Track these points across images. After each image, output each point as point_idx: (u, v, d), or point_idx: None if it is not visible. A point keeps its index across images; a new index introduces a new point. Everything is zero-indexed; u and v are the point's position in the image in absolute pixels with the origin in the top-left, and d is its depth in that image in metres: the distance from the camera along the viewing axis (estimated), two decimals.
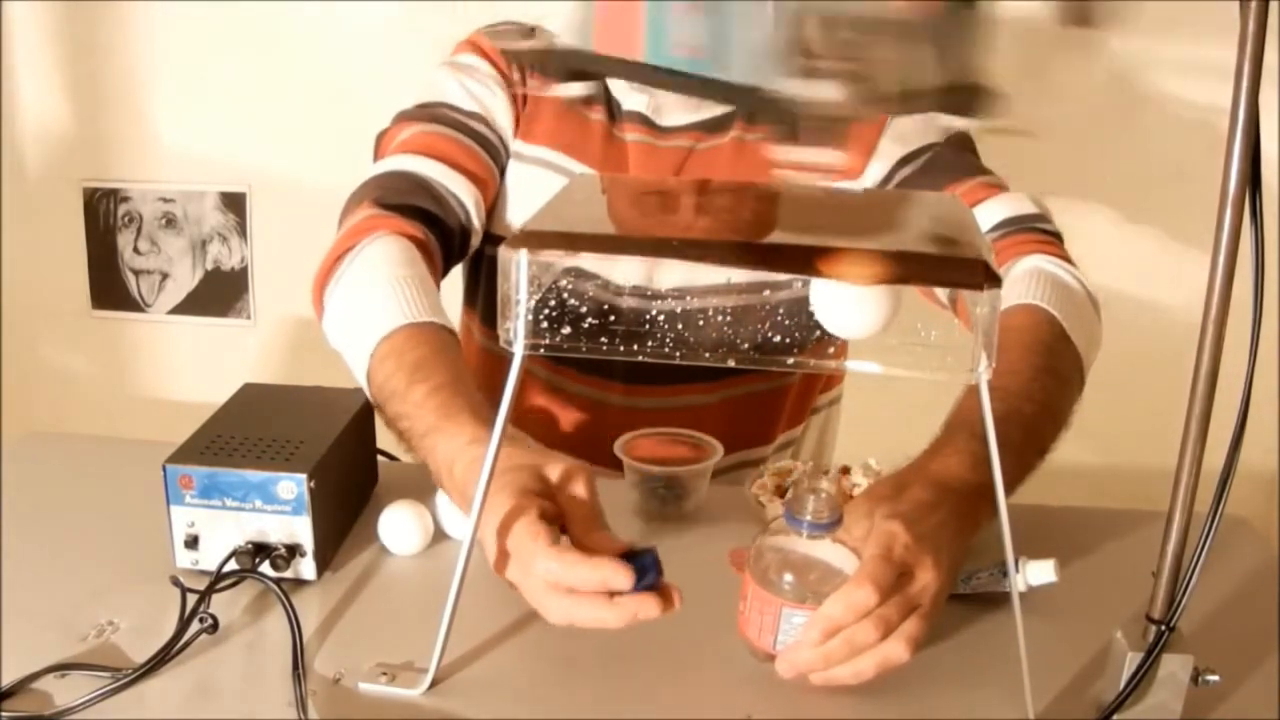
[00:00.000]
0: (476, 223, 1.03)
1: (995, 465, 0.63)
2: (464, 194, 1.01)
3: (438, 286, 0.96)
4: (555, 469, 0.73)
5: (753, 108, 0.57)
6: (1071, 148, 1.62)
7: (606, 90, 1.07)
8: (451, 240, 1.01)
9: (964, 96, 0.55)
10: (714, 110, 1.04)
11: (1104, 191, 1.69)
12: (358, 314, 0.88)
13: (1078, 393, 0.89)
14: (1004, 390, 0.79)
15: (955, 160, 1.02)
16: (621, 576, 0.64)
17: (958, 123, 0.57)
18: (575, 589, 0.66)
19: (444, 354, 0.84)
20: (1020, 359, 0.83)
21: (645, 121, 1.06)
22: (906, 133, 1.03)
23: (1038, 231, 0.98)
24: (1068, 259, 0.97)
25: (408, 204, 0.98)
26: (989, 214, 0.98)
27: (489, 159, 1.04)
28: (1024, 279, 0.92)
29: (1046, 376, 0.83)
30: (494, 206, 1.09)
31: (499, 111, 1.06)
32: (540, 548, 0.66)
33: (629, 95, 1.06)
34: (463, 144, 1.03)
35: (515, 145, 1.08)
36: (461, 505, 0.75)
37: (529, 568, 0.67)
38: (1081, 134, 1.65)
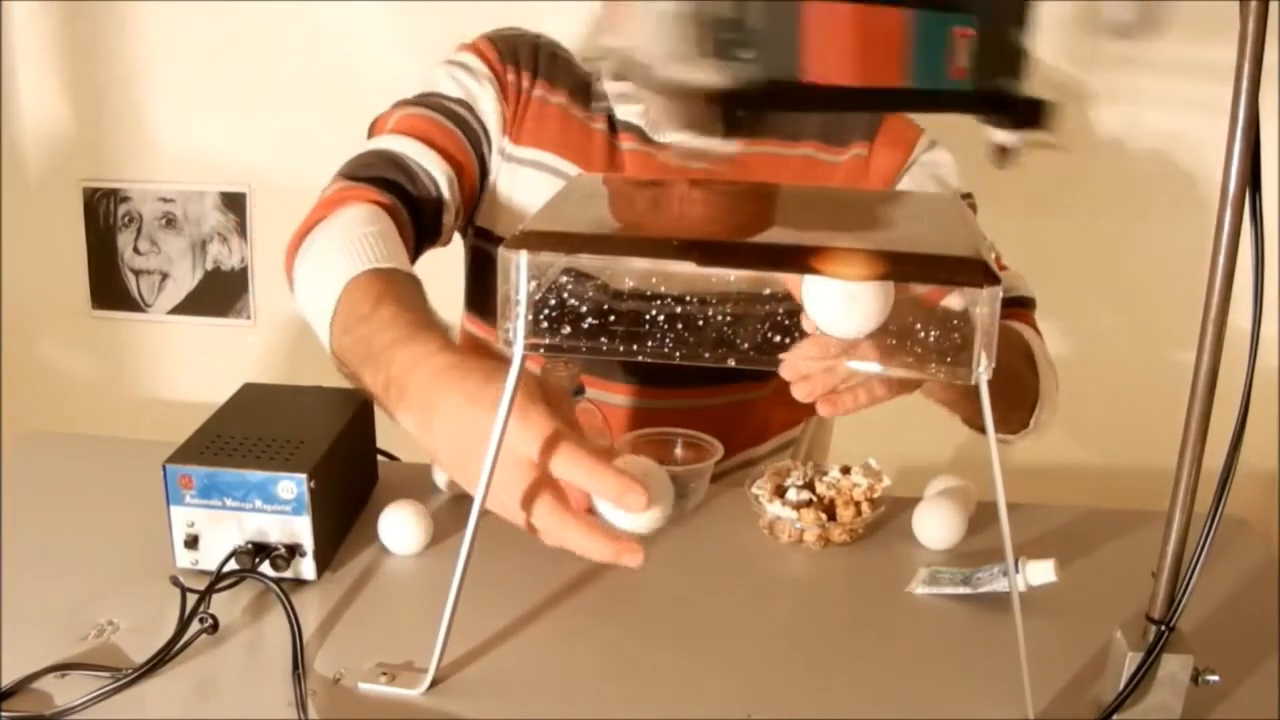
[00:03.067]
0: (448, 196, 1.04)
1: (995, 466, 0.63)
2: (435, 169, 1.03)
3: (411, 256, 0.97)
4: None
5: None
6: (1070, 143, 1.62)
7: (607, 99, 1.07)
8: (422, 211, 1.03)
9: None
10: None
11: (1103, 190, 1.69)
12: (324, 271, 0.89)
13: (1026, 407, 0.96)
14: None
15: None
16: (639, 493, 0.64)
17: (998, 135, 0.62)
18: (578, 504, 0.66)
19: (409, 289, 0.85)
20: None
21: (641, 133, 1.07)
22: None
23: (1016, 307, 1.06)
24: (1037, 330, 1.05)
25: (378, 176, 1.01)
26: None
27: (467, 142, 1.06)
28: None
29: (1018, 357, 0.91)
30: (482, 202, 1.10)
31: (486, 104, 1.08)
32: (568, 442, 0.65)
33: (622, 106, 1.07)
34: (441, 124, 1.06)
35: (511, 148, 1.08)
36: (413, 414, 0.71)
37: (546, 458, 0.65)
38: (1079, 131, 1.65)
